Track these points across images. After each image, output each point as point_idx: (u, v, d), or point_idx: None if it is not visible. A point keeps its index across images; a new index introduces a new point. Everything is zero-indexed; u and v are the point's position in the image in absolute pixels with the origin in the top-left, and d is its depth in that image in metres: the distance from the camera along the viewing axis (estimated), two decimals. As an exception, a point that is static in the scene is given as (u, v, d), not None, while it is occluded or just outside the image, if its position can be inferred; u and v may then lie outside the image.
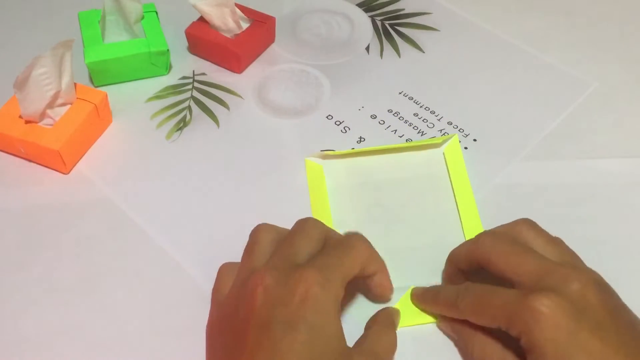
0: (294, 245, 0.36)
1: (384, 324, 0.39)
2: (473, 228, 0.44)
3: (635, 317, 0.35)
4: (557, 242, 0.38)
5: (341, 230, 0.44)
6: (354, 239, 0.38)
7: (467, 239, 0.43)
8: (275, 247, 0.37)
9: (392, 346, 0.38)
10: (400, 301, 0.41)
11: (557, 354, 0.32)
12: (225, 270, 0.39)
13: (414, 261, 0.43)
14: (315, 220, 0.39)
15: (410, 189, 0.47)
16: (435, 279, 0.42)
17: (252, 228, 0.41)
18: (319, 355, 0.32)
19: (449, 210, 0.46)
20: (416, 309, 0.41)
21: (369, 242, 0.38)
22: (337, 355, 0.33)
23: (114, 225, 0.45)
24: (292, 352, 0.31)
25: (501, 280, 0.36)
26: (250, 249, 0.38)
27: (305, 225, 0.38)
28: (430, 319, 0.40)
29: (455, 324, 0.38)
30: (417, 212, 0.46)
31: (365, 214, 0.46)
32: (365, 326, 0.39)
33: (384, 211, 0.46)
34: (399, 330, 0.40)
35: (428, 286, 0.41)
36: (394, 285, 0.41)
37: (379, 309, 0.40)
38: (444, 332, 0.39)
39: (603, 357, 0.32)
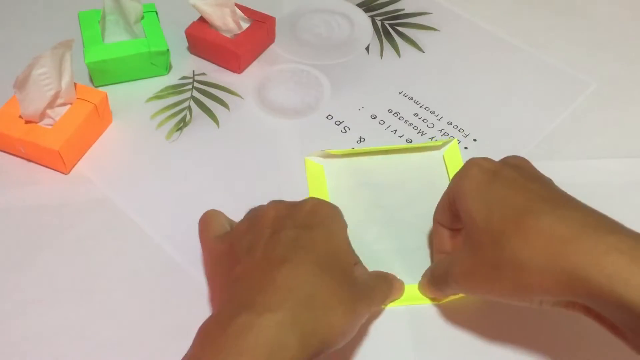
0: (293, 216, 0.38)
1: (386, 277, 0.41)
2: None
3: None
4: (540, 180, 0.38)
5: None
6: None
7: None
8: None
9: (386, 294, 0.40)
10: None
11: (478, 192, 0.35)
12: (211, 216, 0.40)
13: (413, 262, 0.43)
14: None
15: (409, 190, 0.47)
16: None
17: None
18: (334, 251, 0.35)
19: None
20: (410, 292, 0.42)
21: None
22: (344, 259, 0.36)
23: (114, 225, 0.45)
24: (313, 246, 0.34)
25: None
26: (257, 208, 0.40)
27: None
28: (425, 300, 0.41)
29: None
30: (416, 213, 0.46)
31: (365, 214, 0.46)
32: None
33: (384, 212, 0.46)
34: (396, 310, 0.41)
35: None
36: (401, 304, 0.42)
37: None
38: None
39: (523, 186, 0.34)
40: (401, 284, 0.41)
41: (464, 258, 0.36)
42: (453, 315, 0.41)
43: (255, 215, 0.38)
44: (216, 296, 0.39)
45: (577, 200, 0.34)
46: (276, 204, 0.38)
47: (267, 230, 0.35)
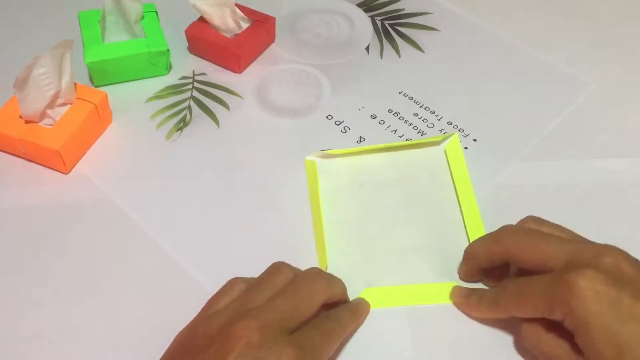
0: (297, 309, 0.36)
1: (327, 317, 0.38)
2: (475, 226, 0.44)
3: None
4: (564, 228, 0.39)
5: (341, 231, 0.44)
6: (330, 326, 0.37)
7: (470, 238, 0.43)
8: (265, 291, 0.36)
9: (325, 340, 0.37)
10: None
11: (603, 325, 0.32)
12: (231, 285, 0.38)
13: (414, 261, 0.43)
14: (319, 282, 0.38)
15: (410, 187, 0.47)
16: (436, 278, 0.42)
17: (252, 228, 0.41)
18: None
19: (450, 209, 0.45)
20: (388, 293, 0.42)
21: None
22: None
23: (114, 225, 0.45)
24: None
25: (531, 273, 0.36)
26: (262, 280, 0.37)
27: (310, 287, 0.37)
28: (408, 302, 0.41)
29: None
30: (417, 210, 0.46)
31: (365, 213, 0.46)
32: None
33: (384, 210, 0.46)
34: (395, 310, 0.41)
35: (466, 287, 0.41)
36: (396, 305, 0.41)
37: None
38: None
39: None
40: (365, 307, 0.41)
41: None
42: (452, 315, 0.41)
43: (233, 323, 0.34)
44: None
45: None
46: (261, 315, 0.34)
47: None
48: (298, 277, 0.38)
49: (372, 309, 0.41)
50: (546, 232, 0.38)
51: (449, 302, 0.41)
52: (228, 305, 0.36)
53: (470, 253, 0.41)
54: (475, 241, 0.40)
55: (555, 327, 0.35)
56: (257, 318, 0.33)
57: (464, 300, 0.40)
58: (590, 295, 0.32)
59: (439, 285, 0.42)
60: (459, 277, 0.42)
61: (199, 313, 0.37)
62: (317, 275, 0.38)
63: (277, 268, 0.38)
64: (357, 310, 0.40)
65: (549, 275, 0.35)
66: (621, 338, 0.31)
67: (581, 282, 0.32)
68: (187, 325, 0.37)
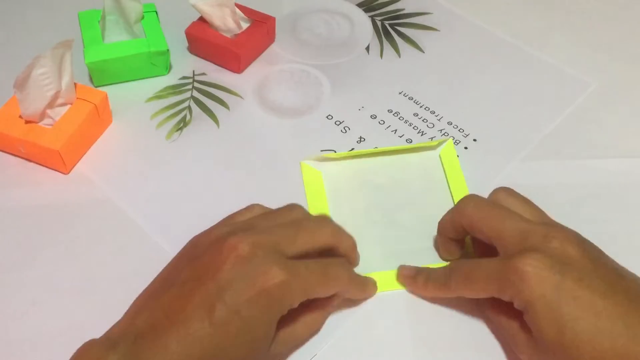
0: (295, 239, 0.36)
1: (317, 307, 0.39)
2: None
3: (616, 263, 0.37)
4: (530, 204, 0.40)
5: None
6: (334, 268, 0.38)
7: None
8: (272, 219, 0.38)
9: (310, 328, 0.39)
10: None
11: (547, 307, 0.34)
12: (250, 207, 0.40)
13: (412, 263, 0.43)
14: (328, 228, 0.39)
15: (407, 190, 0.47)
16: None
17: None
18: (237, 350, 0.33)
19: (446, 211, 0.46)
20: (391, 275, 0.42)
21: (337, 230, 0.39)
22: (253, 353, 0.34)
23: (114, 225, 0.45)
24: (217, 333, 0.33)
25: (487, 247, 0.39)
26: (271, 212, 0.40)
27: (318, 229, 0.38)
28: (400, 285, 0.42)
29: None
30: (415, 213, 0.46)
31: (363, 216, 0.46)
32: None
33: (382, 213, 0.46)
34: (391, 294, 0.41)
35: (413, 266, 0.42)
36: (392, 287, 0.42)
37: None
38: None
39: (591, 304, 0.33)
40: (372, 285, 0.42)
41: (529, 345, 0.36)
42: (451, 306, 0.41)
43: (224, 239, 0.35)
44: (140, 299, 0.37)
45: None
46: (260, 234, 0.35)
47: (212, 278, 0.34)
48: (308, 217, 0.40)
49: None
50: (506, 208, 0.39)
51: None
52: (233, 228, 0.37)
53: (440, 224, 0.42)
54: (445, 214, 0.42)
55: (507, 305, 0.36)
56: (253, 236, 0.35)
57: (410, 281, 0.41)
58: (535, 280, 0.34)
59: (434, 265, 0.42)
60: (439, 255, 0.43)
61: (214, 225, 0.39)
62: (327, 219, 0.40)
63: (292, 206, 0.40)
64: (364, 281, 0.41)
65: (496, 259, 0.37)
66: (563, 318, 0.34)
67: (527, 268, 0.34)
68: (191, 240, 0.39)
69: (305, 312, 0.38)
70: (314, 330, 0.39)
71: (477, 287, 0.37)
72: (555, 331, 0.34)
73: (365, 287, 0.41)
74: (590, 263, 0.35)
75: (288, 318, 0.36)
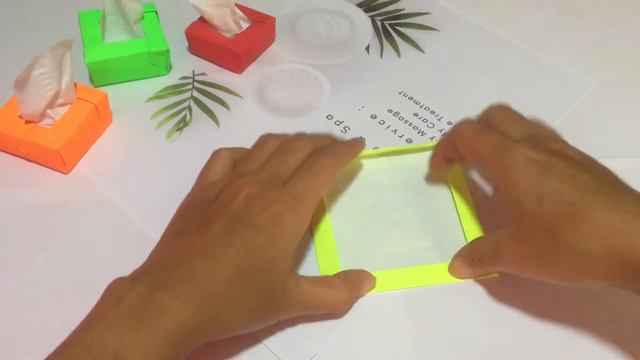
0: (285, 163, 0.40)
1: (332, 283, 0.40)
2: (472, 228, 0.44)
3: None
4: (522, 121, 0.42)
5: (340, 233, 0.44)
6: (323, 163, 0.41)
7: (467, 239, 0.43)
8: (269, 157, 0.41)
9: (323, 301, 0.39)
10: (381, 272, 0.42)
11: (526, 180, 0.36)
12: (218, 156, 0.42)
13: (412, 263, 0.43)
14: (303, 139, 0.43)
15: (407, 190, 0.47)
16: (434, 281, 0.42)
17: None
18: (266, 260, 0.36)
19: (447, 211, 0.46)
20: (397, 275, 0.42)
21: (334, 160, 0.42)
22: (274, 269, 0.36)
23: (114, 225, 0.45)
24: (240, 252, 0.35)
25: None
26: (251, 153, 0.42)
27: (295, 144, 0.42)
28: (401, 285, 0.42)
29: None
30: (415, 213, 0.46)
31: (363, 216, 0.46)
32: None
33: (382, 213, 0.46)
34: (391, 294, 0.41)
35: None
36: (393, 288, 0.42)
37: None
38: None
39: (573, 177, 0.35)
40: (360, 142, 0.46)
41: (512, 243, 0.37)
42: (451, 306, 0.41)
43: (232, 182, 0.39)
44: (162, 242, 0.40)
45: (627, 187, 0.36)
46: (257, 176, 0.39)
47: (227, 214, 0.37)
48: (285, 141, 0.42)
49: (372, 292, 0.41)
50: (486, 129, 0.40)
51: (446, 282, 0.42)
52: (221, 178, 0.41)
53: (438, 143, 0.46)
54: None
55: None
56: (255, 177, 0.39)
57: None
58: (521, 162, 0.36)
59: (435, 266, 0.43)
60: (429, 170, 0.47)
61: (193, 187, 0.42)
62: (302, 134, 0.43)
63: (265, 139, 0.43)
64: (351, 142, 0.45)
65: (500, 141, 0.39)
66: (540, 189, 0.35)
67: (518, 158, 0.37)
68: (184, 201, 0.41)
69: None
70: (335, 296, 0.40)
71: (475, 152, 0.40)
72: (534, 203, 0.35)
73: (354, 147, 0.45)
74: (575, 154, 0.38)
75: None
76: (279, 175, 0.39)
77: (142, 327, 0.32)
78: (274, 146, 0.42)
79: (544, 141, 0.38)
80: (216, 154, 0.43)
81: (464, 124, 0.42)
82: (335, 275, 0.41)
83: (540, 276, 0.37)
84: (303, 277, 0.38)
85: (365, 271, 0.42)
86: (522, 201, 0.36)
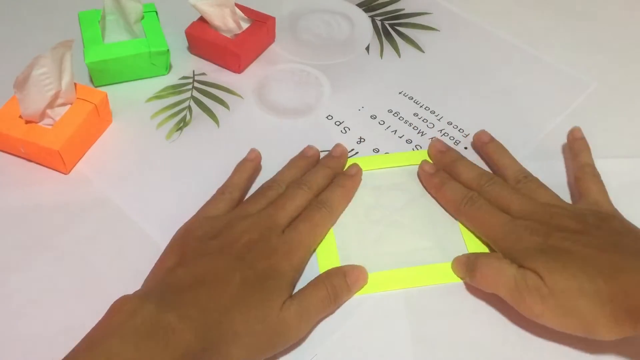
0: (284, 209, 0.42)
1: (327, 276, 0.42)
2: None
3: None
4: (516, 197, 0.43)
5: (340, 233, 0.44)
6: (319, 216, 0.43)
7: (465, 239, 0.44)
8: (269, 203, 0.43)
9: (321, 301, 0.40)
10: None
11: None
12: (222, 195, 0.44)
13: (412, 263, 0.43)
14: (302, 188, 0.44)
15: (407, 191, 0.47)
16: (434, 281, 0.42)
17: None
18: (257, 304, 0.37)
19: (447, 212, 0.46)
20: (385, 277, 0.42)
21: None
22: (268, 305, 0.38)
23: (114, 225, 0.45)
24: (239, 288, 0.37)
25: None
26: (254, 195, 0.44)
27: (296, 191, 0.44)
28: (401, 285, 0.42)
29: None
30: (415, 213, 0.46)
31: (363, 216, 0.46)
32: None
33: (382, 213, 0.46)
34: (391, 294, 0.41)
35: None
36: (393, 288, 0.42)
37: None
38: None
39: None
40: (357, 176, 0.47)
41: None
42: (451, 306, 0.41)
43: (233, 224, 0.41)
44: (161, 267, 0.41)
45: None
46: (258, 222, 0.41)
47: (227, 254, 0.39)
48: (287, 188, 0.44)
49: (372, 292, 0.41)
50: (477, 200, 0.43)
51: (447, 282, 0.42)
52: (222, 216, 0.43)
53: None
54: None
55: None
56: (256, 222, 0.41)
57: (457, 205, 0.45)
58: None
59: (435, 266, 0.42)
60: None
61: (194, 217, 0.43)
62: (301, 183, 0.45)
63: (268, 187, 0.45)
64: (347, 184, 0.46)
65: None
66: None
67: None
68: (184, 228, 0.43)
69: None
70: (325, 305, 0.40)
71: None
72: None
73: (349, 191, 0.46)
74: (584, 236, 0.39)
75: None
76: (277, 222, 0.42)
77: (155, 344, 0.33)
78: (277, 193, 0.44)
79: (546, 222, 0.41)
80: (220, 189, 0.45)
81: (451, 189, 0.45)
82: (320, 278, 0.41)
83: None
84: (292, 304, 0.39)
85: (351, 265, 0.42)
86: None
